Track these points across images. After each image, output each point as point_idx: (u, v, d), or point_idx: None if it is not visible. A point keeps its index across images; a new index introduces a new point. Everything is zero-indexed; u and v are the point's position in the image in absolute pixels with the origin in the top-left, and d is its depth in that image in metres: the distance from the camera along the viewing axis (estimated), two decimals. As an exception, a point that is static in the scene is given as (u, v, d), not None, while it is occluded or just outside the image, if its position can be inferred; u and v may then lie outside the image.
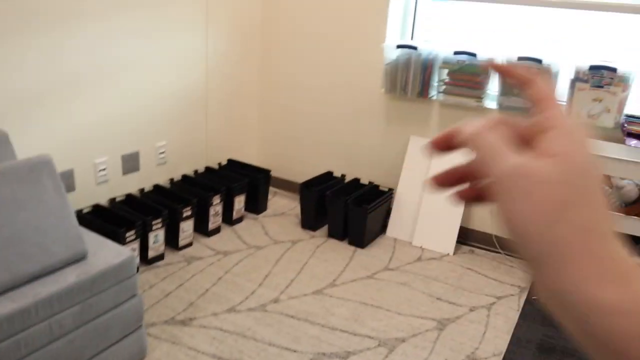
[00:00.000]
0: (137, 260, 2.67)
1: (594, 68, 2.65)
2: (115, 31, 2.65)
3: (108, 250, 1.87)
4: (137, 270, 2.66)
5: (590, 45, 2.88)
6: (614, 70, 2.61)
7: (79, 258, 1.80)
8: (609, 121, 2.69)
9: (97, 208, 2.74)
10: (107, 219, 2.67)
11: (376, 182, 3.50)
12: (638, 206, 2.47)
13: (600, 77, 2.65)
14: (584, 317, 0.32)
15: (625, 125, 2.62)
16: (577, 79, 2.71)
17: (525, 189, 0.33)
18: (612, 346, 0.31)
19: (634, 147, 2.48)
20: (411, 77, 3.09)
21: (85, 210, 2.69)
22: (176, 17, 2.97)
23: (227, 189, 3.19)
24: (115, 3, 2.61)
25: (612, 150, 2.66)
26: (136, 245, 2.63)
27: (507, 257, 3.16)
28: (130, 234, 2.56)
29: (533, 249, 0.33)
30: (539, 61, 2.76)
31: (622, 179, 2.50)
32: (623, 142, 2.66)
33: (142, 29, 2.79)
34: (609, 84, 2.65)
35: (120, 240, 2.50)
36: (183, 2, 2.99)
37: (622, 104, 2.66)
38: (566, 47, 2.93)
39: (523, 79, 0.38)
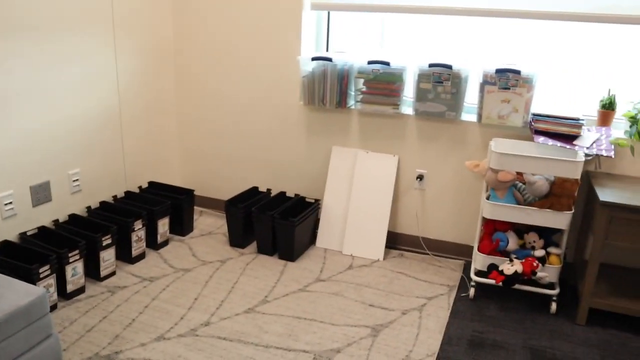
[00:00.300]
0: (55, 296, 2.51)
1: (500, 71, 2.77)
2: (18, 57, 2.50)
3: (15, 290, 1.74)
4: (55, 307, 2.52)
5: (495, 49, 3.02)
6: (518, 72, 2.74)
7: (-17, 302, 1.66)
8: (517, 120, 2.82)
9: (5, 245, 2.56)
10: (18, 256, 2.50)
11: (302, 194, 3.49)
12: (550, 199, 2.60)
13: (507, 80, 2.78)
14: None
15: (533, 123, 2.75)
16: (486, 82, 2.82)
17: None
18: None
19: (542, 143, 2.61)
20: (328, 88, 3.12)
21: (-8, 249, 2.51)
22: (81, 39, 2.84)
23: (149, 212, 3.07)
24: (18, 28, 2.46)
25: (523, 147, 2.80)
26: (52, 280, 2.47)
27: (435, 257, 3.23)
28: (44, 269, 2.41)
29: None
30: (449, 67, 2.86)
31: (534, 174, 2.62)
32: (532, 140, 2.80)
33: (46, 54, 2.65)
34: (515, 86, 2.78)
35: (33, 277, 2.35)
36: (87, 24, 2.86)
37: (528, 104, 2.80)
38: (473, 52, 3.06)
39: None
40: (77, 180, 2.96)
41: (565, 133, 2.67)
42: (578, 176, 2.49)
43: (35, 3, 2.55)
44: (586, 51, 2.88)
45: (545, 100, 2.96)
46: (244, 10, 3.30)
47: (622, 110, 2.78)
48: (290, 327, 2.50)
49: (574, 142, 2.62)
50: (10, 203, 2.59)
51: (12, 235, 2.64)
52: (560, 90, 2.97)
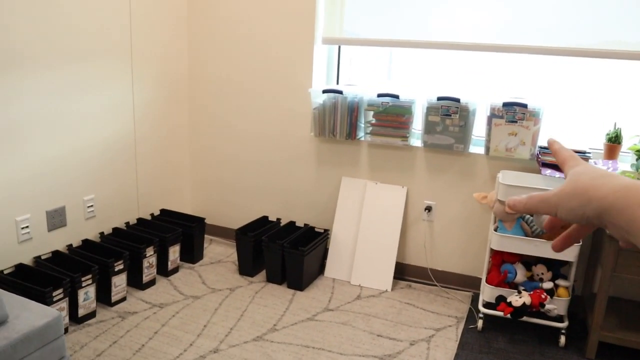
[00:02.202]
0: (66, 320, 2.54)
1: (507, 105, 2.83)
2: (37, 85, 2.60)
3: (31, 312, 1.78)
4: (66, 331, 2.55)
5: (503, 83, 3.09)
6: (524, 106, 2.80)
7: None
8: (525, 153, 2.87)
9: (20, 268, 2.61)
10: (32, 279, 2.54)
11: (311, 224, 3.53)
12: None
13: (514, 113, 2.84)
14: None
15: (540, 156, 2.79)
16: (493, 115, 2.88)
17: (563, 200, 0.57)
18: None
19: (549, 176, 2.65)
20: (339, 120, 3.19)
21: (6, 272, 2.55)
22: (100, 68, 2.95)
23: (160, 239, 3.12)
24: (38, 57, 2.56)
25: (530, 180, 2.83)
26: (64, 304, 2.51)
27: (442, 289, 3.24)
28: (57, 293, 2.45)
29: (593, 219, 0.55)
30: (457, 100, 2.92)
31: (541, 206, 2.64)
32: (539, 172, 2.84)
33: (67, 83, 2.74)
34: (522, 119, 2.83)
35: (47, 300, 2.38)
36: (106, 54, 2.97)
37: (535, 137, 2.85)
38: (481, 86, 3.13)
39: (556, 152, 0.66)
40: (91, 206, 3.02)
41: (572, 166, 2.70)
42: (585, 209, 2.50)
43: (52, 32, 2.66)
44: (592, 85, 2.94)
45: (553, 134, 3.01)
46: (257, 44, 3.41)
47: (628, 143, 2.81)
48: (299, 356, 2.50)
49: (581, 175, 2.65)
50: (27, 227, 2.65)
51: (27, 259, 2.69)
52: (567, 123, 3.02)
